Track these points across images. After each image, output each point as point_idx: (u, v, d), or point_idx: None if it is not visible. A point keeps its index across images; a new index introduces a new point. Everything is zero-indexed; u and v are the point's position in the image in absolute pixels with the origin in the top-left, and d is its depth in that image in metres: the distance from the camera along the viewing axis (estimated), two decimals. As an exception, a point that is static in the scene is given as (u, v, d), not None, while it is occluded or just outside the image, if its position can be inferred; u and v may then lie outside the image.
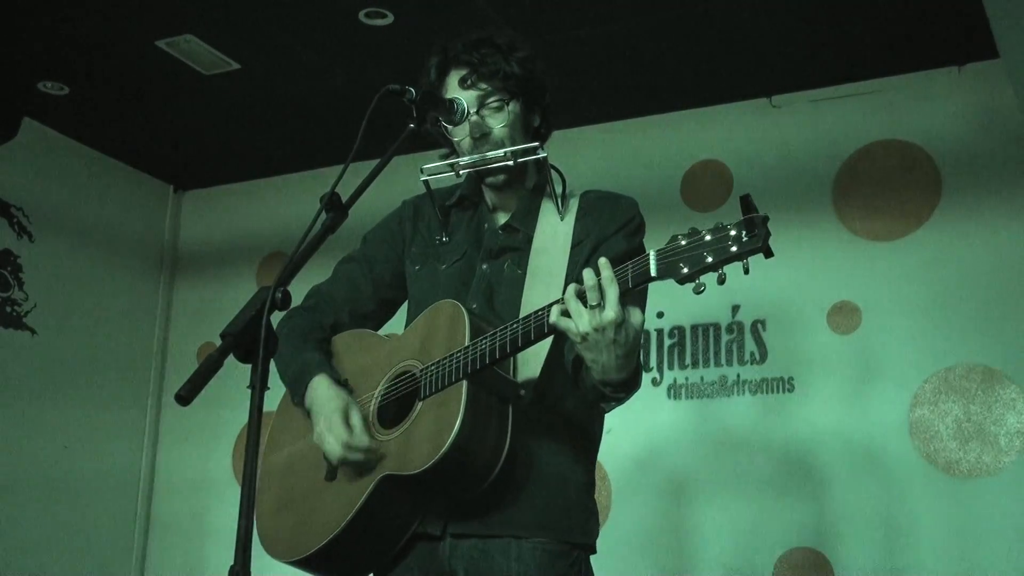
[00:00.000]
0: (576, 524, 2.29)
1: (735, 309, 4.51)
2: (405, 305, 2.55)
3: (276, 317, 1.81)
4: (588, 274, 1.95)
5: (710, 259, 1.86)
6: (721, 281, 1.86)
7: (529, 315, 2.08)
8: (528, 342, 2.08)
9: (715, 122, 4.84)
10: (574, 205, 2.42)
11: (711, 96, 4.80)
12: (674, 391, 4.57)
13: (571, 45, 4.30)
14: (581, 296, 1.96)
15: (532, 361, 2.19)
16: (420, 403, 2.19)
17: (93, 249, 5.56)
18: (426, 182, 2.44)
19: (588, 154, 4.75)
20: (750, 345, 4.48)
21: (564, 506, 2.27)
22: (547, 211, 2.42)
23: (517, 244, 2.40)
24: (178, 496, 5.64)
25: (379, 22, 4.22)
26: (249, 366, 1.75)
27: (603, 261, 1.95)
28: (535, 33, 4.22)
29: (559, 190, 2.43)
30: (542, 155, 2.33)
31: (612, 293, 1.93)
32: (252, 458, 1.67)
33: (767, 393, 4.42)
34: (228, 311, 1.84)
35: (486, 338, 2.11)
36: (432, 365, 2.19)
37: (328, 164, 5.46)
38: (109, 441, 5.54)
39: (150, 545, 5.64)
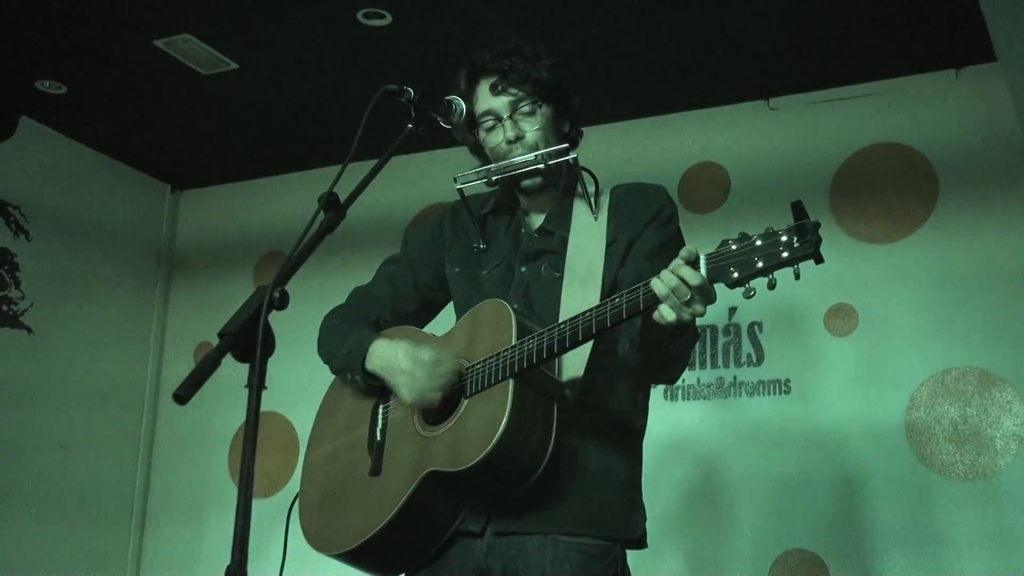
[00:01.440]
0: (619, 519, 2.30)
1: (732, 311, 4.51)
2: (451, 306, 2.61)
3: (275, 317, 1.81)
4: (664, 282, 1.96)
5: (761, 264, 1.88)
6: (771, 286, 1.90)
7: (577, 316, 2.10)
8: (576, 342, 2.11)
9: (712, 124, 4.84)
10: (606, 203, 2.46)
11: (708, 98, 4.80)
12: (671, 393, 4.56)
13: (567, 47, 4.30)
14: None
15: (576, 362, 2.23)
16: (466, 401, 2.23)
17: (90, 248, 5.55)
18: (460, 190, 2.49)
19: (584, 156, 4.65)
20: (747, 347, 4.48)
21: (605, 502, 2.29)
22: (580, 212, 2.47)
23: (553, 247, 2.44)
24: (174, 496, 5.63)
25: (377, 22, 4.22)
26: (247, 365, 1.75)
27: (675, 265, 1.95)
28: (533, 34, 4.22)
29: (591, 190, 2.47)
30: (572, 156, 2.38)
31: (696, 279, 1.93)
32: (249, 458, 1.67)
33: (764, 395, 4.42)
34: (226, 311, 1.84)
35: (533, 338, 2.15)
36: (478, 363, 2.23)
37: (326, 164, 5.46)
38: (105, 440, 5.52)
39: (146, 546, 5.63)
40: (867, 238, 4.43)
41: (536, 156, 2.38)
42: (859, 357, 4.31)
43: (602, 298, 2.26)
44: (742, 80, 4.64)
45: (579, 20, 4.17)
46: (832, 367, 4.35)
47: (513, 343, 2.18)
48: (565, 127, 2.52)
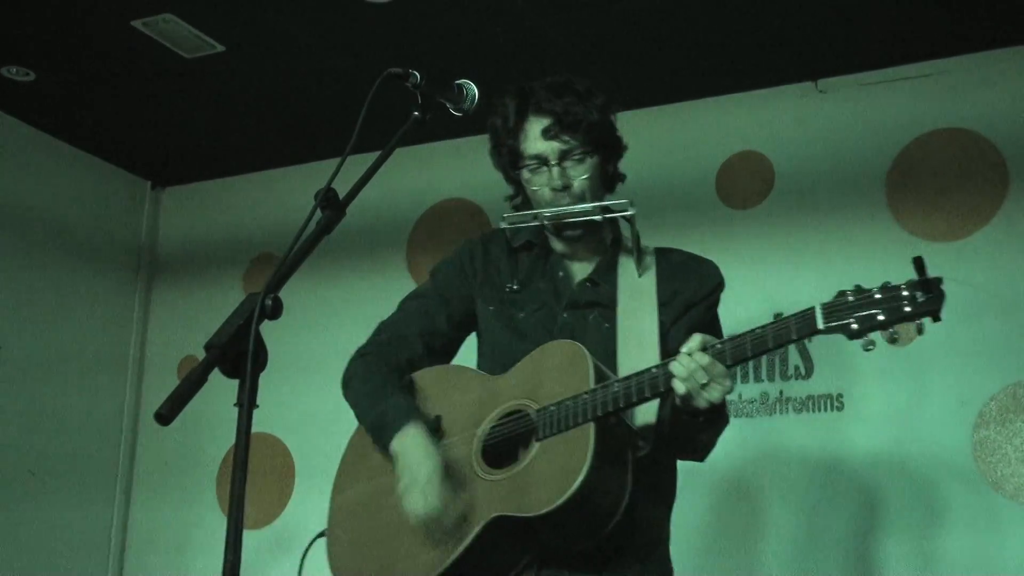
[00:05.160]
0: (663, 563, 2.52)
1: (777, 317, 4.49)
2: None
3: (267, 327, 1.82)
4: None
5: (882, 317, 2.07)
6: (893, 340, 2.08)
7: (664, 363, 2.24)
8: (657, 393, 2.26)
9: (754, 109, 4.83)
10: (651, 262, 2.63)
11: (750, 80, 4.80)
12: (708, 410, 4.55)
13: (596, 21, 4.30)
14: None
15: (648, 413, 2.37)
16: (537, 443, 2.34)
17: (63, 251, 5.58)
18: (504, 230, 2.68)
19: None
20: (794, 359, 4.46)
21: (654, 556, 2.49)
22: (625, 265, 2.63)
23: (601, 299, 2.59)
24: (157, 527, 5.65)
25: (379, -1, 4.24)
26: (236, 382, 1.76)
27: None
28: (559, 7, 4.23)
29: (632, 240, 2.63)
30: (631, 212, 2.53)
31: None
32: (240, 484, 1.68)
33: (813, 411, 4.40)
34: (213, 320, 1.85)
35: (617, 382, 2.28)
36: (552, 406, 2.34)
37: (324, 157, 5.47)
38: (80, 467, 5.54)
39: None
40: (928, 235, 4.42)
41: (594, 207, 2.53)
42: (920, 368, 4.29)
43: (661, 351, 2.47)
44: (787, 59, 4.64)
45: (604, -6, 4.18)
46: (889, 380, 4.33)
47: (592, 386, 2.29)
48: (610, 170, 2.66)
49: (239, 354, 1.75)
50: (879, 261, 4.44)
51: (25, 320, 5.37)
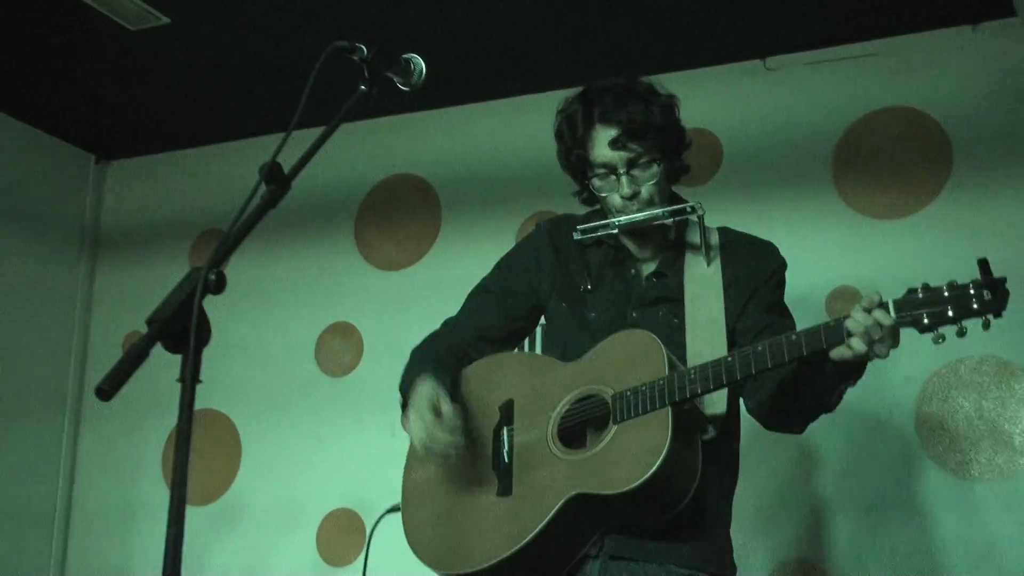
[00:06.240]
0: (725, 559, 2.65)
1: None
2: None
3: (211, 302, 1.80)
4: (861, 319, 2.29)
5: (951, 313, 2.24)
6: (961, 334, 2.24)
7: (745, 350, 2.39)
8: (747, 376, 2.40)
9: (702, 87, 4.84)
10: (716, 246, 2.76)
11: (697, 58, 4.80)
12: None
13: (533, 3, 4.29)
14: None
15: (718, 401, 2.52)
16: (615, 426, 2.46)
17: (4, 226, 5.51)
18: (574, 245, 2.79)
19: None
20: (741, 334, 4.50)
21: (719, 543, 2.65)
22: (693, 256, 2.76)
23: (669, 294, 2.72)
24: (101, 504, 5.62)
25: (327, -28, 4.21)
26: (179, 357, 1.74)
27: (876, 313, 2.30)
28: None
29: (699, 235, 2.74)
30: (700, 213, 2.67)
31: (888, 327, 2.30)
32: (182, 459, 1.67)
33: (759, 388, 4.43)
34: (158, 296, 1.83)
35: (694, 370, 2.41)
36: (628, 391, 2.46)
37: (269, 132, 5.43)
38: (22, 445, 5.49)
39: (70, 560, 5.62)
40: (873, 213, 4.46)
41: (664, 212, 2.66)
42: (865, 345, 4.34)
43: (729, 344, 2.60)
44: (735, 38, 4.65)
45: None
46: (835, 356, 4.37)
47: (666, 374, 2.43)
48: (677, 166, 2.80)
49: (182, 329, 1.74)
50: (824, 238, 4.48)
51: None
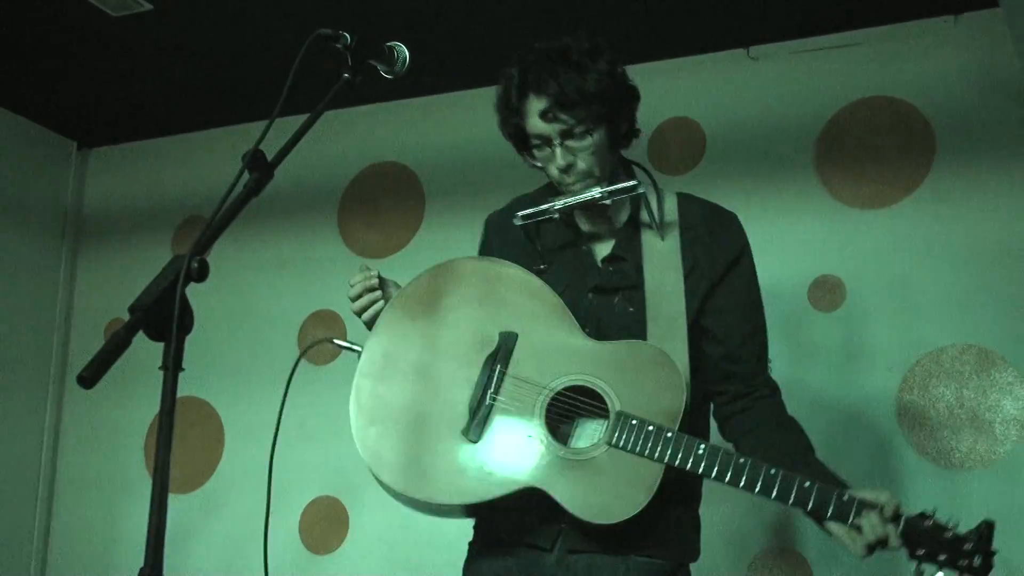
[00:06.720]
0: (689, 542, 2.63)
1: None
2: None
3: (193, 290, 1.80)
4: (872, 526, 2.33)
5: (941, 557, 2.27)
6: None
7: (760, 468, 2.39)
8: (734, 484, 2.41)
9: (686, 76, 4.85)
10: (673, 216, 2.67)
11: (681, 47, 4.81)
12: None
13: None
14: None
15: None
16: (607, 447, 2.41)
17: (-15, 214, 5.50)
18: (523, 227, 2.67)
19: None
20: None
21: (680, 526, 2.60)
22: (648, 232, 2.66)
23: (627, 279, 2.62)
24: (83, 489, 5.61)
25: (310, -41, 4.20)
26: (161, 345, 1.74)
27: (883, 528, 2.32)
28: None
29: (653, 200, 2.66)
30: (640, 191, 2.59)
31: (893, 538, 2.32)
32: (165, 448, 1.67)
33: (742, 376, 4.44)
34: (141, 284, 1.83)
35: (703, 448, 2.39)
36: (635, 420, 2.41)
37: (252, 119, 5.42)
38: (3, 432, 5.47)
39: (52, 547, 5.61)
40: (856, 203, 4.47)
41: (602, 193, 2.56)
42: (846, 334, 4.35)
43: (690, 343, 2.55)
44: (719, 27, 4.65)
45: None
46: (816, 345, 4.38)
47: (677, 428, 2.41)
48: (621, 130, 2.66)
49: (164, 317, 1.73)
50: (807, 227, 4.48)
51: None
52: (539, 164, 2.65)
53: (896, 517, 2.31)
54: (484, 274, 2.63)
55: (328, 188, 5.39)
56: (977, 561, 2.26)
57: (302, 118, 2.14)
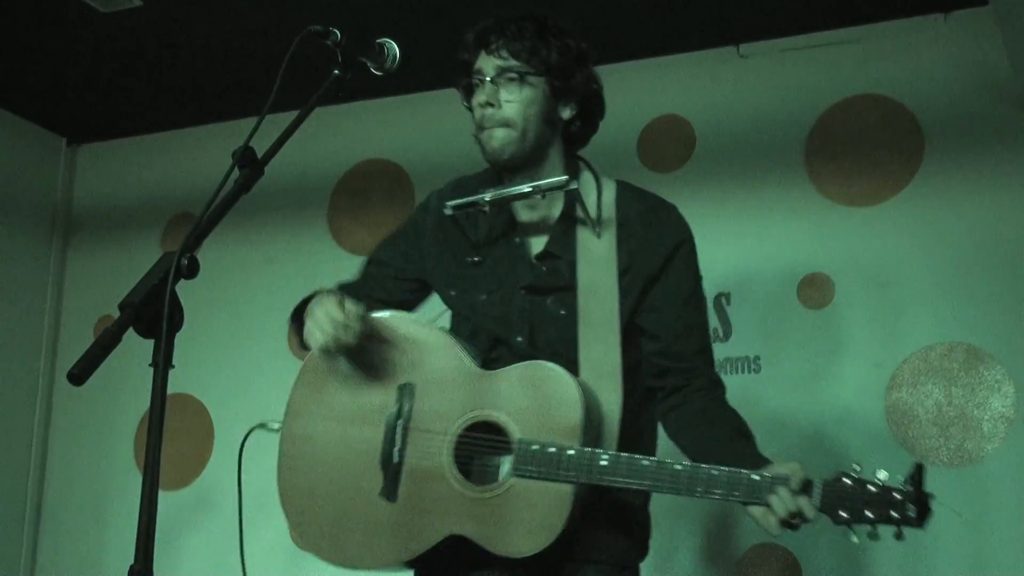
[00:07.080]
0: (638, 543, 2.62)
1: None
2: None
3: (183, 287, 1.80)
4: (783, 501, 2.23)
5: (869, 515, 2.17)
6: (873, 537, 2.18)
7: (663, 465, 2.29)
8: (643, 487, 2.34)
9: (676, 73, 4.85)
10: (610, 205, 2.59)
11: (672, 44, 4.80)
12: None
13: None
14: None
15: (611, 428, 2.44)
16: (513, 480, 2.36)
17: (-27, 210, 5.48)
18: (453, 216, 2.64)
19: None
20: (713, 321, 4.50)
21: (629, 530, 2.57)
22: (584, 229, 2.59)
23: (560, 279, 2.56)
24: (73, 489, 5.60)
25: (301, -45, 4.19)
26: (152, 342, 1.74)
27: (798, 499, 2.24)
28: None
29: (592, 195, 2.61)
30: (572, 187, 2.52)
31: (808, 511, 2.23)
32: (155, 445, 1.67)
33: (731, 373, 4.43)
34: (130, 280, 1.83)
35: (607, 459, 2.31)
36: (535, 447, 2.35)
37: (243, 115, 5.40)
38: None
39: (41, 545, 5.60)
40: (845, 200, 4.47)
41: (532, 188, 2.51)
42: (835, 332, 4.36)
43: (629, 342, 2.50)
44: (709, 24, 4.65)
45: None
46: (806, 342, 4.39)
47: (582, 445, 2.32)
48: (565, 114, 2.61)
49: (154, 314, 1.73)
50: (796, 225, 4.49)
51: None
52: (468, 103, 2.62)
53: (807, 486, 2.22)
54: (371, 333, 2.53)
55: (318, 185, 5.38)
56: (911, 511, 2.14)
57: (292, 115, 2.14)
